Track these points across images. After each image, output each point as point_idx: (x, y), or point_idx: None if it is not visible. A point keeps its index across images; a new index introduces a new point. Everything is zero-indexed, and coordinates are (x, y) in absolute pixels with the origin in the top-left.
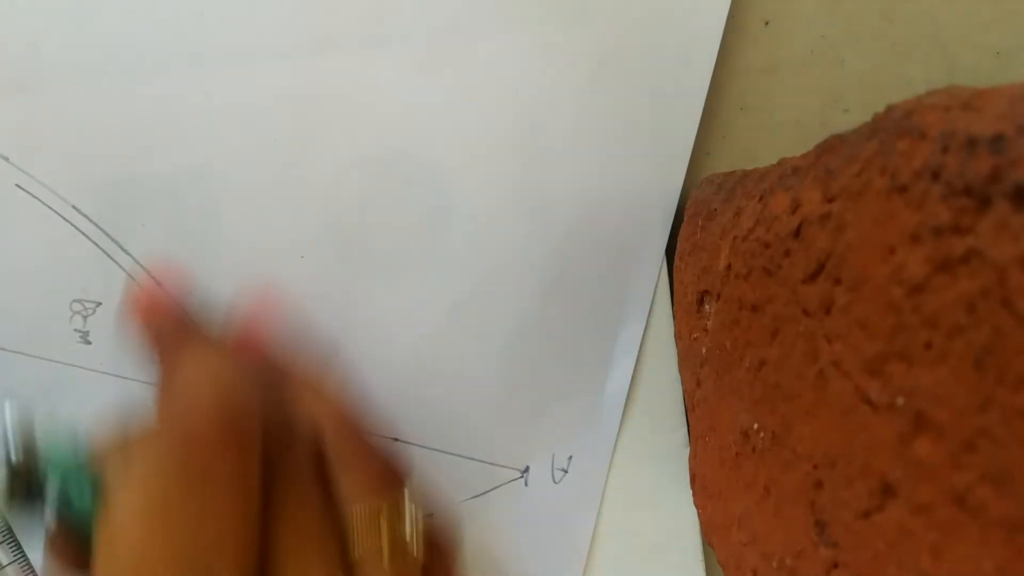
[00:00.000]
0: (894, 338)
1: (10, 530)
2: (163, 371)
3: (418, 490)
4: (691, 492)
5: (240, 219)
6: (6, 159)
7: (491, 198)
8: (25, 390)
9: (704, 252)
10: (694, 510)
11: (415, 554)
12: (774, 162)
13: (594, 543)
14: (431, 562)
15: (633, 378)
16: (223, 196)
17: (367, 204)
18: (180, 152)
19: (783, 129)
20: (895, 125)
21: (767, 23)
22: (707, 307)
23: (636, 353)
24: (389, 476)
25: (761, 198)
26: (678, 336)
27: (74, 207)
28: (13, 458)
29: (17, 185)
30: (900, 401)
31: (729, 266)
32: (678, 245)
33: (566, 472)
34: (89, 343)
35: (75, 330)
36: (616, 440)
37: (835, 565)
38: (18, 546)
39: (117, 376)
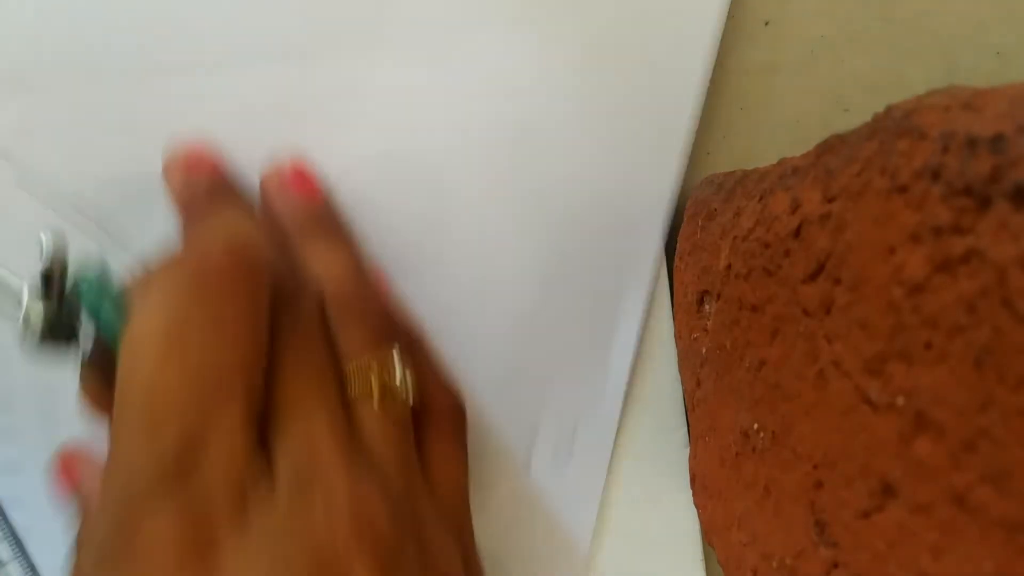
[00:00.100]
0: (894, 338)
1: (11, 529)
2: (187, 225)
3: (418, 347)
4: (691, 492)
5: None
6: (6, 159)
7: (489, 198)
8: (26, 390)
9: (704, 252)
10: (694, 510)
11: (405, 398)
12: (774, 162)
13: (594, 543)
14: (426, 410)
15: (633, 378)
16: None
17: (365, 202)
18: None
19: (783, 129)
20: (895, 125)
21: (767, 23)
22: (707, 307)
23: (634, 354)
24: (383, 335)
25: (761, 198)
26: (678, 336)
27: (74, 207)
28: (48, 289)
29: (17, 185)
30: (900, 401)
31: (729, 266)
32: (678, 245)
33: (566, 472)
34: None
35: None
36: (615, 440)
37: (835, 565)
38: (19, 544)
39: None
